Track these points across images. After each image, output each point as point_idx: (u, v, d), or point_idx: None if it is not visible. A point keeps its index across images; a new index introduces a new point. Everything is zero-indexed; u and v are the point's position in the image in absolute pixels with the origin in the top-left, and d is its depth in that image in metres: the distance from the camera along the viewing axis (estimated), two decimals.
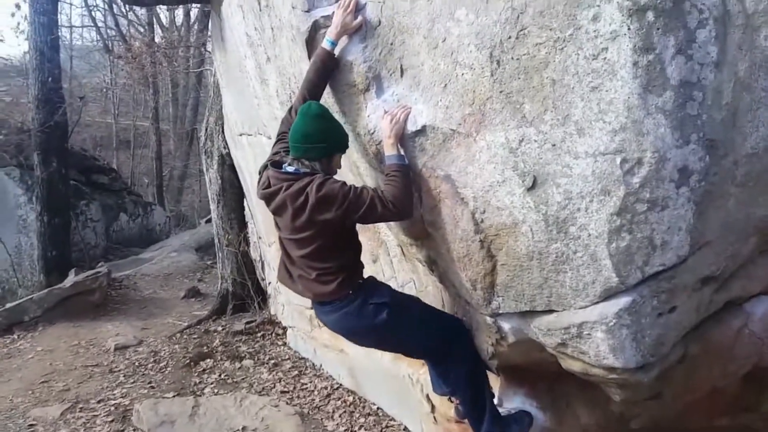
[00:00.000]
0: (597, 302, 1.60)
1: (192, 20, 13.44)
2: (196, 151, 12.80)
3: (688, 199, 1.49)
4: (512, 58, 1.55)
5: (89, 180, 10.04)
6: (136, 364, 4.58)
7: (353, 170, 2.40)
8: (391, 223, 2.27)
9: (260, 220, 4.96)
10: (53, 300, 5.75)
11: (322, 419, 3.60)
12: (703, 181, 1.50)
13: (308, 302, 2.25)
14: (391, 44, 1.89)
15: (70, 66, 15.31)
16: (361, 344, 2.42)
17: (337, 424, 3.53)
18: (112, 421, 3.58)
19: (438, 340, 2.18)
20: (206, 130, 6.07)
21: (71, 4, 15.30)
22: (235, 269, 5.86)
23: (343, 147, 2.02)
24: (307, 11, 2.10)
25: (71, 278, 6.36)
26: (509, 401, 2.31)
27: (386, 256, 2.97)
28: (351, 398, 3.82)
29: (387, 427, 3.47)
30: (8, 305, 5.79)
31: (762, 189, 1.62)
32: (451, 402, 2.58)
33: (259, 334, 5.15)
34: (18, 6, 10.81)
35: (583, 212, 1.53)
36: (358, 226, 2.12)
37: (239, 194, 5.90)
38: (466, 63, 1.67)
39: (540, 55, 1.50)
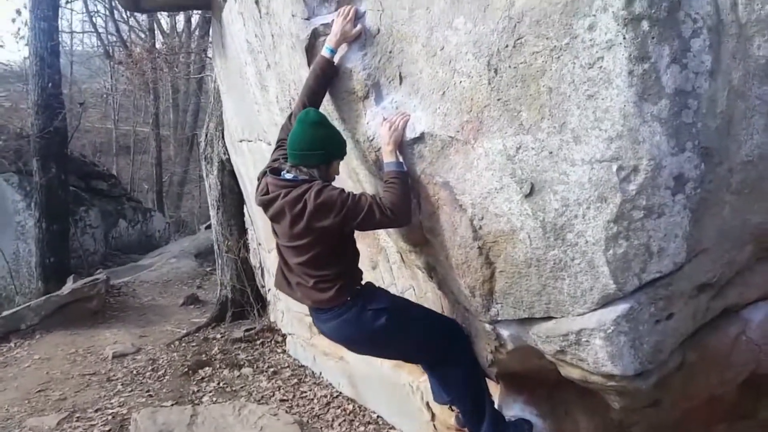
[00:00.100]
0: (595, 309, 1.61)
1: (193, 26, 13.52)
2: (196, 157, 12.82)
3: (684, 206, 1.50)
4: (509, 67, 1.57)
5: (88, 186, 10.04)
6: (134, 372, 4.55)
7: (352, 177, 2.41)
8: (391, 229, 2.28)
9: (260, 226, 4.97)
10: (51, 307, 5.72)
11: (321, 428, 3.58)
12: (699, 188, 1.51)
13: (307, 309, 2.25)
14: (390, 52, 1.91)
15: (70, 71, 15.38)
16: (359, 352, 2.42)
17: None
18: (110, 430, 3.56)
19: (437, 343, 2.19)
20: (206, 135, 6.08)
21: (72, 10, 15.45)
22: (235, 276, 5.84)
23: (341, 154, 2.03)
24: (307, 19, 2.12)
25: (69, 285, 6.34)
26: (508, 409, 2.31)
27: (386, 262, 2.97)
28: (351, 406, 3.80)
29: None
30: (5, 313, 5.74)
31: (757, 196, 1.63)
32: (452, 411, 2.57)
33: (258, 342, 5.12)
34: (18, 12, 10.87)
35: (580, 219, 1.54)
36: (358, 233, 2.13)
37: (239, 200, 5.89)
38: (464, 71, 1.68)
39: (537, 64, 1.52)
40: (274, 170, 2.06)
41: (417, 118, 1.86)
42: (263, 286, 5.84)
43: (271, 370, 4.53)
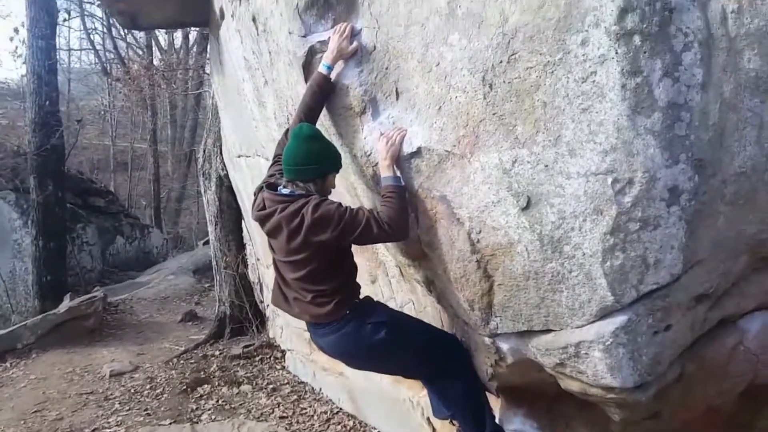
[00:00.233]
0: (593, 321, 1.61)
1: (191, 43, 13.61)
2: (194, 173, 12.86)
3: (679, 217, 1.52)
4: (504, 82, 1.59)
5: (86, 203, 10.03)
6: (132, 391, 4.51)
7: (350, 192, 2.42)
8: (389, 243, 2.29)
9: (258, 241, 4.96)
10: (47, 326, 5.67)
11: None
12: (693, 200, 1.52)
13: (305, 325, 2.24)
14: (386, 68, 1.93)
15: (68, 89, 15.44)
16: (358, 367, 2.40)
17: None
18: None
19: (437, 357, 2.18)
20: (204, 151, 6.10)
21: (70, 28, 15.58)
22: (233, 292, 5.82)
23: (336, 167, 2.04)
24: (304, 36, 2.15)
25: (66, 303, 6.29)
26: (509, 423, 2.29)
27: (385, 276, 2.97)
28: (351, 422, 3.77)
29: None
30: (1, 332, 5.69)
31: (751, 207, 1.64)
32: (453, 425, 2.55)
33: (257, 358, 5.09)
34: (16, 30, 10.94)
35: (577, 231, 1.55)
36: (356, 247, 2.13)
37: (237, 216, 5.89)
38: (459, 86, 1.70)
39: (531, 79, 1.54)
40: (270, 185, 2.07)
41: (414, 132, 1.88)
42: (262, 302, 5.81)
43: (271, 386, 4.49)
